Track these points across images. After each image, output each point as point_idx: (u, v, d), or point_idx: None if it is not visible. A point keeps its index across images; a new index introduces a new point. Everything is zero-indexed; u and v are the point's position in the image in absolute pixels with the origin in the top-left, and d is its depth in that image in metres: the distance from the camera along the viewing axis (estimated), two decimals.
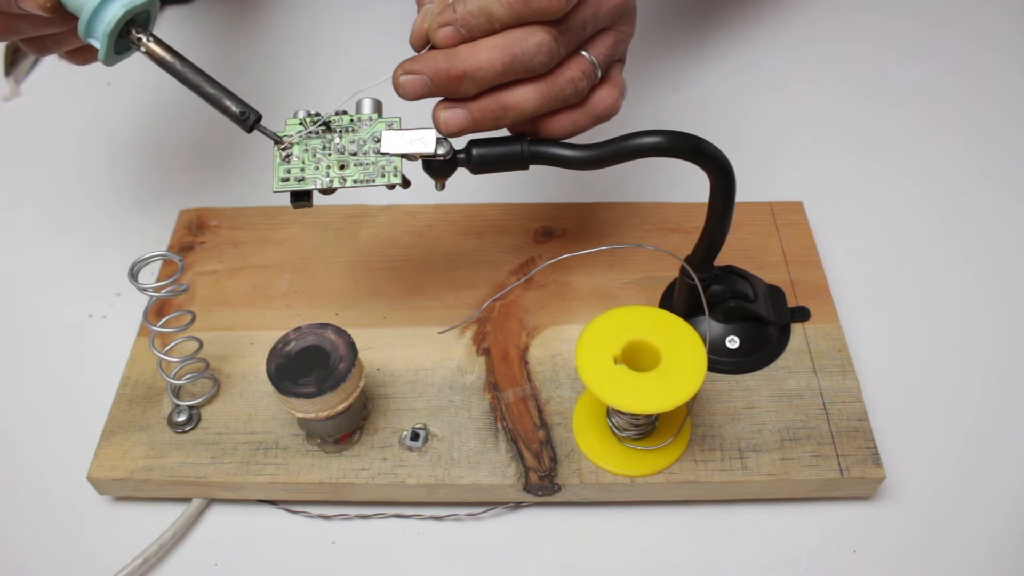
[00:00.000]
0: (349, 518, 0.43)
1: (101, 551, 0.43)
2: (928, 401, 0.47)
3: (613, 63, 0.42)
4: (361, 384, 0.41)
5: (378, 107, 0.40)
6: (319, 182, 0.39)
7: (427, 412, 0.45)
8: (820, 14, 0.71)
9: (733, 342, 0.46)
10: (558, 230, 0.53)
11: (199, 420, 0.45)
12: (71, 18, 0.37)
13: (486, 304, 0.49)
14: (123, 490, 0.44)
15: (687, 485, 0.42)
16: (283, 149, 0.39)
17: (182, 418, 0.44)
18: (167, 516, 0.43)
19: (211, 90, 0.38)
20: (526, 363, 0.46)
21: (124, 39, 0.38)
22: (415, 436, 0.43)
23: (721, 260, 0.44)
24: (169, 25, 0.72)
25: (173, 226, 0.54)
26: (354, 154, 0.39)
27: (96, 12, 0.36)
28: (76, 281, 0.54)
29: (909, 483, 0.44)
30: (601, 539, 0.43)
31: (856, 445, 0.42)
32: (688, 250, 0.44)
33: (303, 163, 0.39)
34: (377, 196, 0.39)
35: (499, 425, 0.44)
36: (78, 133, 0.64)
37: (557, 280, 0.50)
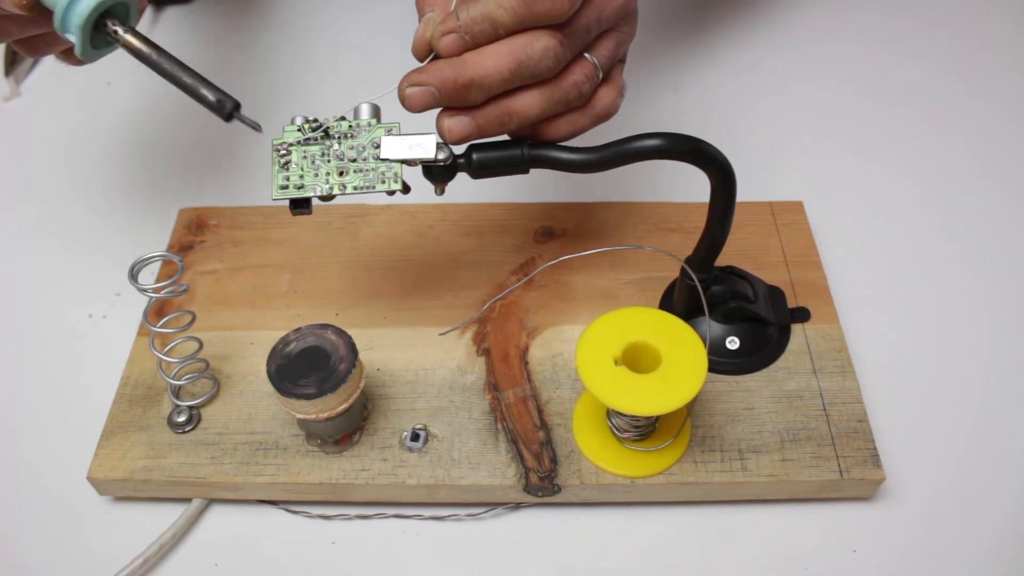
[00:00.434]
0: (349, 518, 0.43)
1: (101, 551, 0.43)
2: (928, 401, 0.47)
3: (614, 63, 0.41)
4: (361, 385, 0.41)
5: (376, 112, 0.40)
6: (318, 189, 0.39)
7: (427, 413, 0.45)
8: (820, 14, 0.71)
9: (733, 343, 0.46)
10: (558, 230, 0.53)
11: (199, 420, 0.45)
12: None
13: (486, 305, 0.49)
14: (123, 490, 0.44)
15: (687, 486, 0.42)
16: (281, 156, 0.39)
17: (182, 418, 0.44)
18: (167, 516, 0.43)
19: (188, 80, 0.37)
20: (526, 363, 0.46)
21: (102, 32, 0.37)
22: (415, 437, 0.43)
23: (721, 260, 0.44)
24: (169, 25, 0.72)
25: (173, 226, 0.54)
26: (353, 160, 0.39)
27: (69, 6, 0.36)
28: (76, 281, 0.54)
29: (909, 483, 0.44)
30: (601, 540, 0.43)
31: (856, 446, 0.42)
32: (688, 250, 0.44)
33: (302, 170, 0.39)
34: (377, 196, 0.39)
35: (499, 426, 0.44)
36: (78, 133, 0.64)
37: (557, 280, 0.50)
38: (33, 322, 0.52)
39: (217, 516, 0.44)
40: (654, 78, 0.66)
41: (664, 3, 0.72)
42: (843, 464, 0.42)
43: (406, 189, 0.39)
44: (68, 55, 0.43)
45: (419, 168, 0.39)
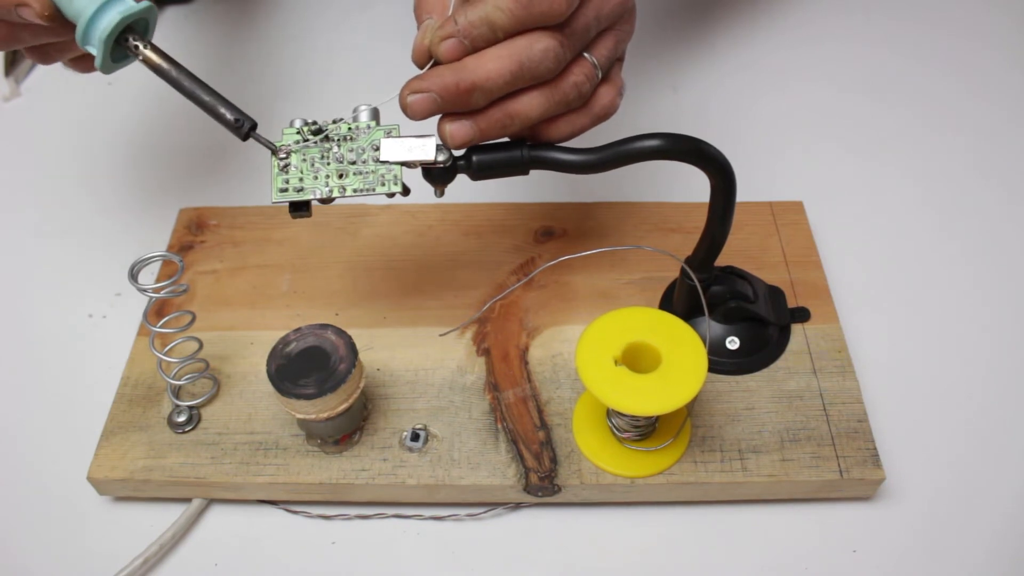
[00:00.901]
0: (349, 518, 0.43)
1: (101, 551, 0.43)
2: (928, 401, 0.47)
3: (613, 62, 0.41)
4: (361, 385, 0.41)
5: (376, 115, 0.40)
6: (318, 192, 0.38)
7: (427, 413, 0.45)
8: (820, 13, 0.71)
9: (733, 343, 0.46)
10: (558, 230, 0.53)
11: (199, 420, 0.45)
12: (70, 26, 0.37)
13: (487, 306, 0.49)
14: (123, 490, 0.44)
15: (687, 486, 0.42)
16: (281, 159, 0.39)
17: (182, 418, 0.44)
18: (167, 516, 0.43)
19: (207, 98, 0.38)
20: (526, 363, 0.46)
21: (122, 47, 0.38)
22: (415, 437, 0.43)
23: (721, 260, 0.44)
24: (169, 25, 0.72)
25: (173, 226, 0.54)
26: (353, 163, 0.39)
27: (92, 20, 0.36)
28: (76, 281, 0.54)
29: (909, 483, 0.44)
30: (601, 540, 0.43)
31: (856, 446, 0.42)
32: (688, 250, 0.44)
33: (302, 172, 0.39)
34: (377, 196, 0.39)
35: (499, 426, 0.44)
36: (78, 133, 0.64)
37: (557, 280, 0.50)
38: (33, 322, 0.52)
39: (217, 516, 0.44)
40: (653, 78, 0.66)
41: (664, 2, 0.72)
42: (843, 464, 0.42)
43: (406, 191, 0.39)
44: (76, 62, 0.43)
45: (419, 170, 0.39)
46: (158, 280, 0.47)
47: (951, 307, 0.51)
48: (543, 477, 0.42)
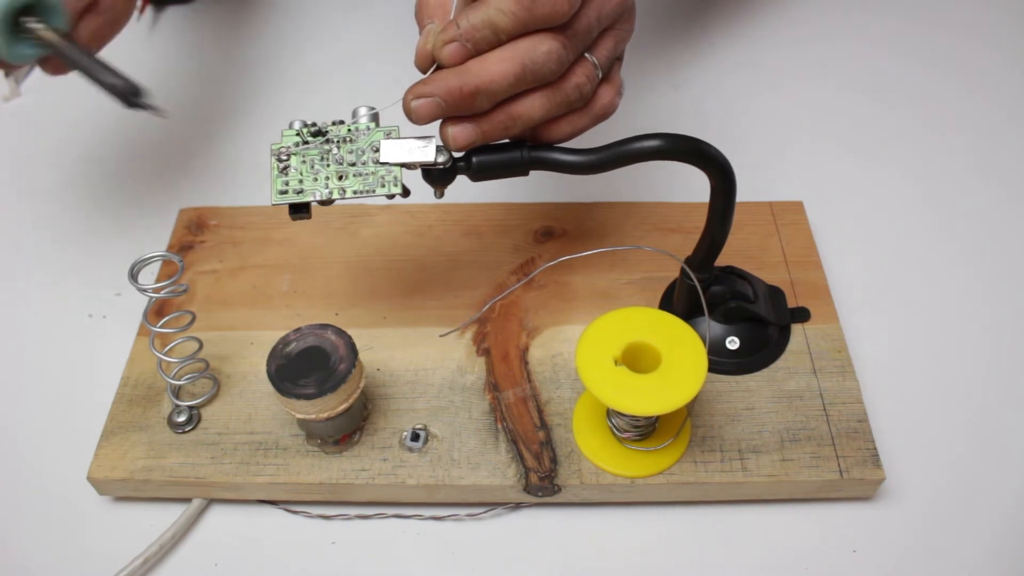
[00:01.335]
0: (349, 518, 0.43)
1: (101, 551, 0.43)
2: (928, 401, 0.47)
3: (612, 62, 0.41)
4: (361, 385, 0.41)
5: (375, 116, 0.40)
6: (318, 193, 0.38)
7: (427, 412, 0.45)
8: (820, 13, 0.71)
9: (733, 343, 0.46)
10: (558, 230, 0.53)
11: (199, 420, 0.45)
12: None
13: (487, 306, 0.49)
14: (123, 490, 0.44)
15: (687, 486, 0.42)
16: (280, 160, 0.39)
17: (182, 418, 0.44)
18: (167, 516, 0.43)
19: (91, 64, 0.38)
20: (526, 363, 0.46)
21: (28, 32, 0.38)
22: (415, 437, 0.43)
23: (721, 260, 0.44)
24: (169, 25, 0.72)
25: (173, 226, 0.54)
26: (353, 164, 0.39)
27: None
28: (76, 281, 0.54)
29: (909, 483, 0.44)
30: (601, 540, 0.43)
31: (856, 446, 0.42)
32: (688, 250, 0.44)
33: (301, 174, 0.39)
34: (377, 197, 0.39)
35: (499, 426, 0.44)
36: (78, 133, 0.64)
37: (557, 280, 0.50)
38: (33, 322, 0.52)
39: (217, 516, 0.44)
40: (653, 77, 0.66)
41: (664, 1, 0.72)
42: (843, 464, 0.42)
43: (406, 193, 0.39)
44: (47, 64, 0.43)
45: (418, 171, 0.39)
46: (158, 280, 0.47)
47: (951, 307, 0.51)
48: (543, 477, 0.42)
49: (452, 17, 0.37)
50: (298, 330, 0.41)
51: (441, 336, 0.48)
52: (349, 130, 0.39)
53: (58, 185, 0.60)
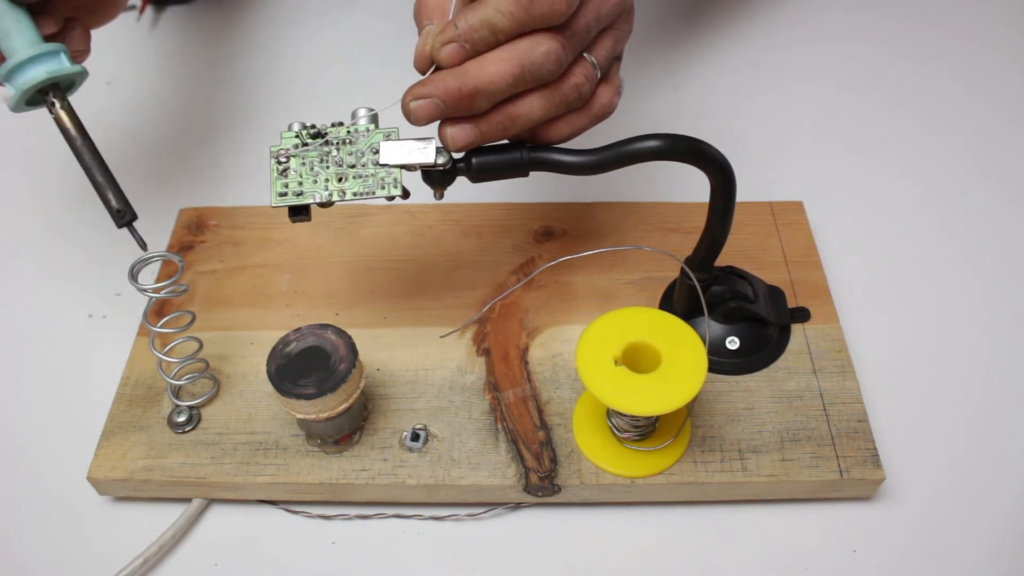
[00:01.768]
0: (349, 518, 0.43)
1: (101, 551, 0.43)
2: (928, 401, 0.47)
3: (611, 62, 0.41)
4: (361, 385, 0.41)
5: (374, 117, 0.40)
6: (318, 196, 0.38)
7: (427, 412, 0.45)
8: (820, 13, 0.71)
9: (733, 343, 0.46)
10: (558, 230, 0.53)
11: (199, 420, 0.45)
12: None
13: (487, 306, 0.49)
14: (123, 490, 0.44)
15: (687, 486, 0.42)
16: (280, 163, 0.39)
17: (182, 418, 0.44)
18: (167, 516, 0.43)
19: (100, 178, 0.39)
20: (526, 363, 0.46)
21: (40, 95, 0.38)
22: (415, 437, 0.43)
23: (721, 260, 0.44)
24: (169, 25, 0.72)
25: (173, 226, 0.54)
26: (352, 166, 0.39)
27: (21, 65, 0.36)
28: (76, 281, 0.54)
29: (909, 483, 0.44)
30: (601, 540, 0.43)
31: (856, 446, 0.42)
32: (688, 250, 0.44)
33: (301, 176, 0.39)
34: (376, 198, 0.39)
35: (499, 426, 0.44)
36: None
37: (557, 280, 0.50)
38: (33, 322, 0.52)
39: (217, 516, 0.44)
40: (653, 77, 0.66)
41: (664, 1, 0.72)
42: (843, 464, 0.42)
43: (406, 194, 0.39)
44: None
45: (418, 172, 0.39)
46: (158, 280, 0.46)
47: (951, 307, 0.51)
48: (543, 477, 0.42)
49: (451, 18, 0.37)
50: (298, 330, 0.41)
51: (441, 337, 0.48)
52: (348, 132, 0.39)
53: (58, 185, 0.60)
